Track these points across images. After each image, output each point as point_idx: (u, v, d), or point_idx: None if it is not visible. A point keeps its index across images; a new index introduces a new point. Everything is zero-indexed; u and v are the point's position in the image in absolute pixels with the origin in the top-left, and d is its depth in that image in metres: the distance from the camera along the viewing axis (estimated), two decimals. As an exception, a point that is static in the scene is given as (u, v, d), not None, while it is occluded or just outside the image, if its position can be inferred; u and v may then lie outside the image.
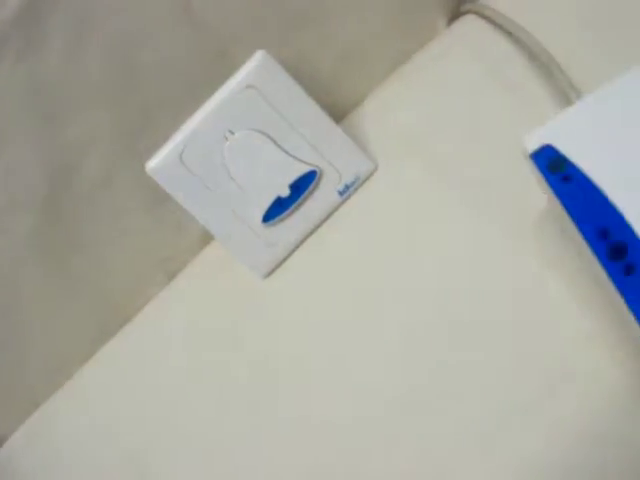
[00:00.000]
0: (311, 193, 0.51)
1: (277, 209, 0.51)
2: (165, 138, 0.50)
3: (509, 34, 0.51)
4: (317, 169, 0.50)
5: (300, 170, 0.50)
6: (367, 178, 0.53)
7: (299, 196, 0.51)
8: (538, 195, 0.37)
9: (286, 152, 0.50)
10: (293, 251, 0.53)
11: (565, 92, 0.44)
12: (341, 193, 0.52)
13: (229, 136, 0.49)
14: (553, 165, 0.35)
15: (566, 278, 0.38)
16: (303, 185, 0.50)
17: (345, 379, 0.45)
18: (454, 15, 0.59)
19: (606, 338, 0.36)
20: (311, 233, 0.53)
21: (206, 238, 0.58)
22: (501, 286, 0.42)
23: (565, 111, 0.36)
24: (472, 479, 0.37)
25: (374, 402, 0.43)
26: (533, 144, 0.35)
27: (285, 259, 0.53)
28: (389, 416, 0.41)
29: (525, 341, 0.39)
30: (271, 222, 0.51)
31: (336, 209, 0.53)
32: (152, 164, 0.50)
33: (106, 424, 0.55)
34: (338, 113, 0.57)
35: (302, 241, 0.53)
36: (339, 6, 0.54)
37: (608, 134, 0.34)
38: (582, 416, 0.35)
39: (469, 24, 0.57)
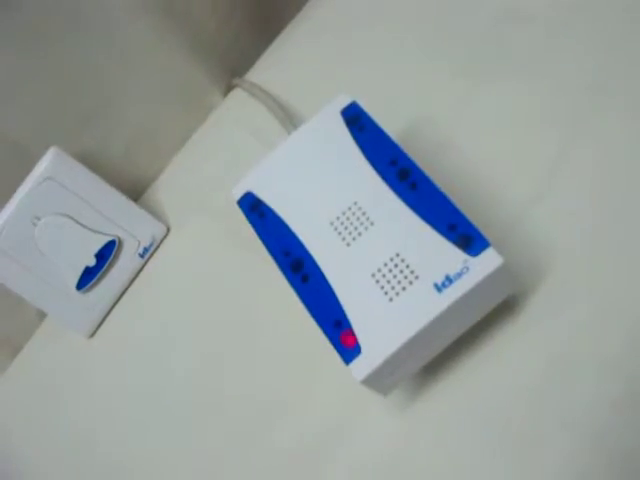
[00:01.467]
0: (115, 259, 0.61)
1: (88, 277, 0.60)
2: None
3: (265, 104, 0.63)
4: (116, 238, 0.60)
5: (101, 241, 0.60)
6: (163, 239, 0.62)
7: (105, 263, 0.60)
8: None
9: (88, 228, 0.59)
10: (110, 310, 0.62)
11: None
12: (142, 255, 0.61)
13: (36, 222, 0.58)
14: (252, 207, 0.44)
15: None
16: (107, 253, 0.60)
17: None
18: (228, 87, 0.70)
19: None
20: (123, 292, 0.62)
21: (40, 313, 0.66)
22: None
23: (259, 163, 0.46)
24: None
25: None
26: (239, 192, 0.45)
27: (105, 318, 0.62)
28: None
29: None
30: (85, 289, 0.60)
31: (141, 268, 0.62)
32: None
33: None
34: (139, 187, 0.67)
35: (116, 300, 0.62)
36: (123, 100, 0.64)
37: (292, 174, 0.44)
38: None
39: (238, 96, 0.68)
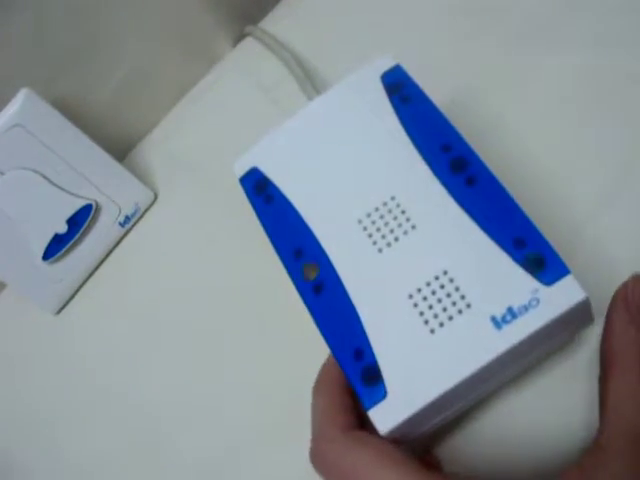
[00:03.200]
0: (90, 227, 0.52)
1: (56, 246, 0.51)
2: None
3: (281, 57, 0.53)
4: (93, 203, 0.51)
5: (75, 205, 0.50)
6: (148, 207, 0.53)
7: (77, 231, 0.51)
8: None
9: (60, 188, 0.50)
10: (82, 285, 0.53)
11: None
12: (122, 224, 0.52)
13: (-1, 176, 0.49)
14: (258, 187, 0.35)
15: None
16: (80, 220, 0.51)
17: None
18: (239, 36, 0.60)
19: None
20: (98, 266, 0.53)
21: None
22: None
23: (272, 133, 0.37)
24: None
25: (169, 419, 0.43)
26: (242, 167, 0.36)
27: (74, 294, 0.53)
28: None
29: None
30: (52, 259, 0.51)
31: (120, 239, 0.53)
32: None
33: None
34: (125, 145, 0.57)
35: (89, 275, 0.53)
36: (112, 38, 0.54)
37: (313, 152, 0.35)
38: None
39: (250, 47, 0.58)
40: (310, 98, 0.48)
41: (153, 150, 0.57)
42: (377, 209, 0.32)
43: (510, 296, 0.27)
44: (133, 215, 0.52)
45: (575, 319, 0.28)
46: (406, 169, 0.32)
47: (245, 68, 0.58)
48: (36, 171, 0.49)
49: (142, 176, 0.54)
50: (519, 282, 0.27)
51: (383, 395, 0.28)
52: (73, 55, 0.53)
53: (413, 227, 0.31)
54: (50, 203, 0.50)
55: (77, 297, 0.53)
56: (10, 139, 0.48)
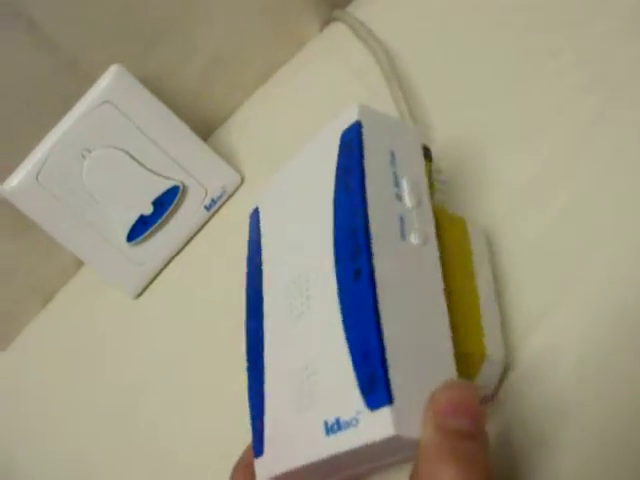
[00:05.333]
0: (176, 209, 0.50)
1: (141, 227, 0.49)
2: (22, 159, 0.48)
3: (367, 44, 0.51)
4: (180, 184, 0.49)
5: (162, 186, 0.49)
6: (234, 191, 0.51)
7: (163, 213, 0.49)
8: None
9: (147, 168, 0.49)
10: (163, 269, 0.52)
11: (401, 110, 0.44)
12: (208, 207, 0.51)
13: (86, 154, 0.48)
14: (254, 228, 0.37)
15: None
16: (167, 202, 0.49)
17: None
18: (326, 21, 0.58)
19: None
20: (181, 249, 0.52)
21: (78, 261, 0.56)
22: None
23: (279, 171, 0.37)
24: None
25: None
26: (255, 203, 0.38)
27: (155, 277, 0.52)
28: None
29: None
30: (136, 241, 0.50)
31: (205, 223, 0.51)
32: (7, 187, 0.48)
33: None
34: (208, 126, 0.56)
35: (171, 258, 0.52)
36: (201, 17, 0.53)
37: (285, 206, 0.35)
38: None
39: (338, 31, 0.56)
40: (392, 90, 0.46)
41: (237, 132, 0.55)
42: (298, 278, 0.31)
43: (342, 408, 0.26)
44: (219, 198, 0.51)
45: (396, 447, 0.26)
46: (319, 245, 0.31)
47: (332, 52, 0.56)
48: (124, 150, 0.48)
49: (226, 158, 0.52)
50: (351, 397, 0.26)
51: (261, 453, 0.30)
52: (162, 32, 0.52)
53: (309, 307, 0.30)
54: (137, 183, 0.49)
55: (157, 281, 0.52)
56: (99, 116, 0.47)
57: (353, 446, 0.25)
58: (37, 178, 0.47)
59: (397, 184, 0.31)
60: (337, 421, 0.26)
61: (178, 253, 0.52)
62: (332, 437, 0.26)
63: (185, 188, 0.50)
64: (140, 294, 0.52)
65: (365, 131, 0.31)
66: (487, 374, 0.31)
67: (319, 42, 0.57)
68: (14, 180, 0.47)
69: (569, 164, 0.36)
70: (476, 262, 0.33)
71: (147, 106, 0.48)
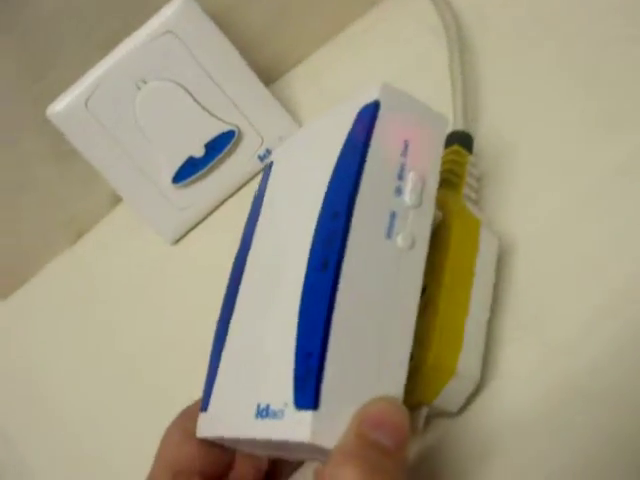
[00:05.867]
0: (228, 155, 0.47)
1: (189, 169, 0.46)
2: (72, 83, 0.45)
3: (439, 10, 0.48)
4: (236, 129, 0.46)
5: (217, 129, 0.46)
6: (291, 143, 0.48)
7: (214, 157, 0.46)
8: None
9: (203, 108, 0.46)
10: (206, 217, 0.49)
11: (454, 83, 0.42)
12: (261, 158, 0.48)
13: (142, 85, 0.45)
14: (263, 183, 0.36)
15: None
16: (220, 145, 0.46)
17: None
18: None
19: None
20: (227, 199, 0.49)
21: (117, 197, 0.53)
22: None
23: (296, 133, 0.37)
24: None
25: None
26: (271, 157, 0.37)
27: (196, 225, 0.49)
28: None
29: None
30: (182, 183, 0.47)
31: (255, 175, 0.48)
32: (54, 109, 0.45)
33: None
34: (270, 73, 0.53)
35: (216, 207, 0.49)
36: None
37: (289, 171, 0.34)
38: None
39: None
40: (453, 70, 0.43)
41: (302, 82, 0.52)
42: (275, 256, 0.30)
43: (275, 396, 0.26)
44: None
45: (315, 450, 0.25)
46: (303, 227, 0.29)
47: (405, 12, 0.52)
48: (182, 85, 0.45)
49: (287, 109, 0.49)
50: (285, 389, 0.25)
51: (205, 409, 0.30)
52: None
53: (278, 287, 0.29)
54: (191, 122, 0.46)
55: (198, 229, 0.49)
56: (160, 47, 0.44)
57: (272, 437, 0.25)
58: (86, 104, 0.44)
59: (401, 177, 0.28)
60: (267, 407, 0.26)
61: (224, 202, 0.49)
62: (259, 421, 0.26)
63: (241, 134, 0.47)
64: (178, 240, 0.49)
65: (381, 113, 0.29)
66: (454, 390, 0.30)
67: (393, 1, 0.54)
68: (62, 103, 0.45)
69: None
70: (477, 271, 0.32)
71: (211, 41, 0.45)
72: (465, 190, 0.36)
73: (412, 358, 0.27)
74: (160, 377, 0.43)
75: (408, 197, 0.28)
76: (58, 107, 0.45)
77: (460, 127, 0.39)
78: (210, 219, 0.49)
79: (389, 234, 0.27)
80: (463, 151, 0.37)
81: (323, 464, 0.24)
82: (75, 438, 0.44)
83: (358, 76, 0.49)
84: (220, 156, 0.46)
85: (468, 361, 0.30)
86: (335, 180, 0.28)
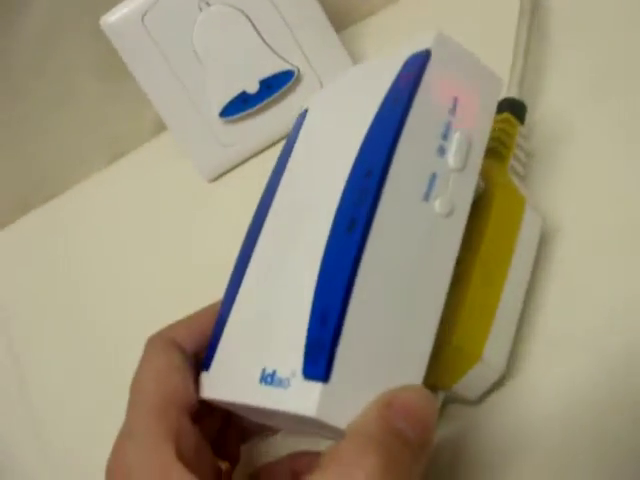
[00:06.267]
0: (283, 97, 0.44)
1: (239, 105, 0.43)
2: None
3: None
4: (296, 70, 0.43)
5: (276, 67, 0.43)
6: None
7: (268, 96, 0.43)
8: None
9: (265, 42, 0.43)
10: (248, 159, 0.46)
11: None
12: (317, 105, 0.44)
13: (204, 7, 0.42)
14: (294, 130, 0.33)
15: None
16: (276, 85, 0.43)
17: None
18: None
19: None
20: (274, 143, 0.46)
21: (161, 124, 0.50)
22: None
23: (335, 80, 0.33)
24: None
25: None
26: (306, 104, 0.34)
27: (237, 165, 0.46)
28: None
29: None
30: (229, 118, 0.44)
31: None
32: (108, 19, 0.42)
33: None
34: (343, 18, 0.49)
35: (262, 150, 0.46)
36: None
37: (325, 122, 0.31)
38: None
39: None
40: (520, 34, 0.39)
41: (373, 34, 0.48)
42: (299, 210, 0.28)
43: (282, 362, 0.23)
44: (334, 99, 0.44)
45: (321, 426, 0.22)
46: (332, 181, 0.26)
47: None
48: (246, 14, 0.42)
49: (354, 59, 0.45)
50: (294, 355, 0.22)
51: (207, 368, 0.27)
52: None
53: (296, 245, 0.26)
54: (249, 55, 0.43)
55: (239, 170, 0.46)
56: (229, -33, 0.41)
57: (274, 407, 0.23)
58: (143, 19, 0.42)
59: (446, 136, 0.25)
60: (273, 373, 0.23)
61: (270, 146, 0.46)
62: (262, 388, 0.23)
63: (300, 76, 0.43)
64: (216, 179, 0.46)
65: (432, 64, 0.26)
66: (478, 376, 0.27)
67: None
68: (117, 14, 0.42)
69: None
70: (517, 252, 0.29)
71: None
72: (512, 163, 0.33)
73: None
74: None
75: (452, 159, 0.25)
76: (113, 18, 0.42)
77: (515, 95, 0.36)
78: (253, 161, 0.46)
79: (426, 197, 0.24)
80: (514, 120, 0.34)
81: (336, 444, 0.21)
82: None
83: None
84: (274, 96, 0.43)
85: (496, 348, 0.27)
86: (372, 133, 0.26)
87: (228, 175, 0.46)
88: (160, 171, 0.49)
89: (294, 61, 0.43)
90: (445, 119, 0.25)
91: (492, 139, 0.31)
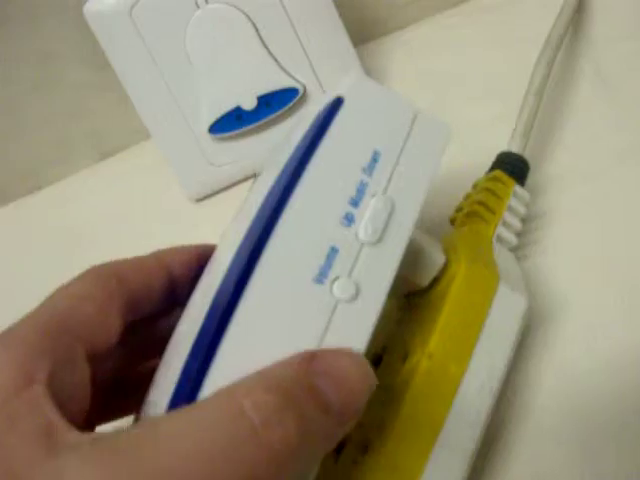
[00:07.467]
0: (284, 117, 0.38)
1: (231, 122, 0.37)
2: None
3: None
4: (301, 88, 0.37)
5: (279, 82, 0.37)
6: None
7: (266, 115, 0.37)
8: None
9: (269, 52, 0.36)
10: (239, 182, 0.40)
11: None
12: (323, 131, 0.38)
13: (202, 5, 0.36)
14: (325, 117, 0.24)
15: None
16: (276, 103, 0.37)
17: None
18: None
19: None
20: (270, 167, 0.39)
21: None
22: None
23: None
24: None
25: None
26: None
27: (226, 188, 0.40)
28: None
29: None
30: (219, 135, 0.38)
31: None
32: (92, 7, 0.36)
33: None
34: (365, 31, 0.43)
35: (254, 175, 0.40)
36: None
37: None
38: None
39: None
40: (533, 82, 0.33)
41: (390, 52, 0.42)
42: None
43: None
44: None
45: None
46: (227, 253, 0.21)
47: (514, 10, 0.42)
48: (249, 17, 0.36)
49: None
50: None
51: None
52: None
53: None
54: (248, 65, 0.37)
55: (227, 194, 0.41)
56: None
57: None
58: (131, 11, 0.36)
59: (356, 202, 0.21)
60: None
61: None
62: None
63: (305, 95, 0.37)
64: (201, 200, 0.40)
65: (343, 113, 0.22)
66: None
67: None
68: (103, 3, 0.36)
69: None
70: (478, 350, 0.23)
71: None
72: (499, 230, 0.28)
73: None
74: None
75: (363, 230, 0.21)
76: (97, 6, 0.36)
77: (516, 149, 0.30)
78: (244, 186, 0.40)
79: (320, 278, 0.20)
80: (508, 179, 0.29)
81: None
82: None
83: (455, 56, 0.40)
84: (273, 115, 0.37)
85: None
86: (268, 197, 0.21)
87: (215, 197, 0.40)
88: (143, 179, 0.44)
89: (300, 77, 0.37)
90: (356, 180, 0.21)
91: (475, 202, 0.28)
